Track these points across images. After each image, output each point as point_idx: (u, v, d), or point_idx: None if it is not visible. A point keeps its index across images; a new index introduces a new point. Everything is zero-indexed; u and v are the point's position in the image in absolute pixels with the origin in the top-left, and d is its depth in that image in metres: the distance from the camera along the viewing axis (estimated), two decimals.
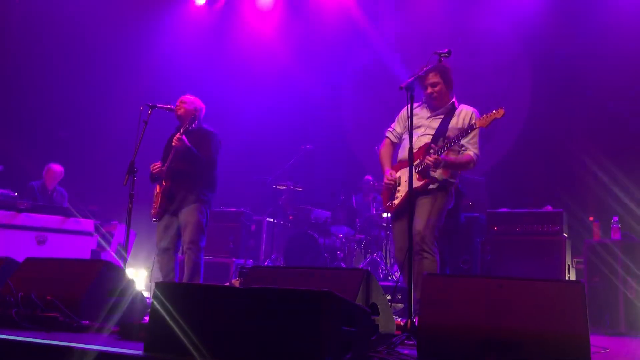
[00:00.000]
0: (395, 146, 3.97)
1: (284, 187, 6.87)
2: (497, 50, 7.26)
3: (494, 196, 6.47)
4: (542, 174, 6.72)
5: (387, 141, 3.99)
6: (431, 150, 3.65)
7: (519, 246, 5.17)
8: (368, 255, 6.51)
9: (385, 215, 6.64)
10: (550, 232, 5.14)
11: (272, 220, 6.94)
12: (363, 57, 7.96)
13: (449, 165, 3.65)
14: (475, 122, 3.59)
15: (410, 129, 3.28)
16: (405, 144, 3.70)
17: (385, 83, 7.51)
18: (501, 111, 3.51)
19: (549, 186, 6.57)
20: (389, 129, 3.99)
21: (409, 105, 3.23)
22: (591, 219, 5.21)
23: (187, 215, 4.30)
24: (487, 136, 6.62)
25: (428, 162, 3.57)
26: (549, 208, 5.40)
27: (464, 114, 3.79)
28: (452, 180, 3.79)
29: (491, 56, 7.27)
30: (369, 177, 7.16)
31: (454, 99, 3.86)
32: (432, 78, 3.79)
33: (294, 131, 8.03)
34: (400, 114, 3.98)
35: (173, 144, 4.23)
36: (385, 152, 3.95)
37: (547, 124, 6.72)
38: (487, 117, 3.54)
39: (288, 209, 7.08)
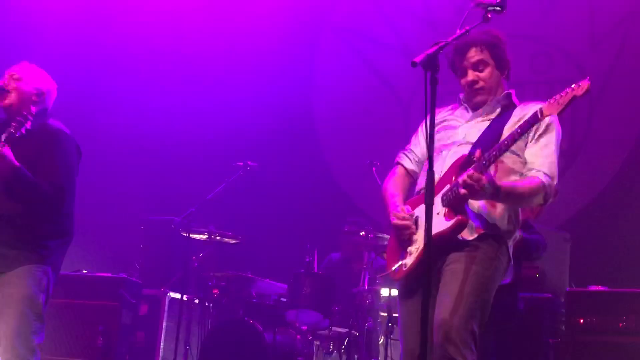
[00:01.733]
0: (413, 178, 4.19)
1: (204, 237, 6.89)
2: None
3: (582, 266, 6.66)
4: None
5: (399, 170, 4.22)
6: (472, 164, 3.68)
7: (620, 355, 5.32)
8: None
9: (387, 291, 6.60)
10: None
11: (179, 296, 6.89)
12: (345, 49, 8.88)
13: (500, 193, 3.68)
14: (541, 109, 3.65)
15: (430, 132, 3.36)
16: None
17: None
18: (584, 85, 3.58)
19: None
20: (402, 151, 4.25)
21: (427, 92, 3.33)
22: None
23: (10, 286, 4.33)
24: (569, 154, 6.72)
25: (461, 184, 3.62)
26: None
27: (527, 112, 3.89)
28: (507, 227, 3.86)
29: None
30: (354, 223, 7.14)
31: (511, 91, 4.07)
32: (476, 55, 3.99)
33: (225, 141, 8.64)
34: (420, 127, 4.22)
35: None
36: (394, 184, 4.17)
37: None
38: (561, 97, 3.61)
39: (210, 276, 6.99)
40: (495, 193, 3.64)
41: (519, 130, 3.68)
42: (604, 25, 7.76)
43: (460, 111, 4.11)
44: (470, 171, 3.60)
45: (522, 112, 3.92)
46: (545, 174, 3.78)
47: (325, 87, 9.12)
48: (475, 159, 3.64)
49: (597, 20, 7.78)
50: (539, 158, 3.83)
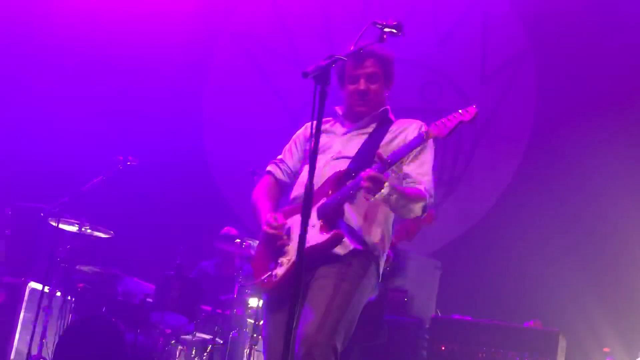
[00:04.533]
0: (283, 189, 4.21)
1: (74, 228, 6.77)
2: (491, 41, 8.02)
3: (449, 294, 6.80)
4: (531, 263, 7.06)
5: (268, 179, 4.23)
6: (350, 179, 3.73)
7: None
8: None
9: (255, 301, 6.63)
10: None
11: (40, 287, 6.73)
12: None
13: (393, 195, 3.69)
14: (428, 131, 3.72)
15: (315, 145, 3.32)
16: (304, 178, 3.65)
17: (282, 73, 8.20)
18: (471, 111, 3.68)
19: (540, 288, 6.99)
20: (273, 161, 4.25)
21: (316, 104, 3.30)
22: (607, 350, 5.57)
23: None
24: (449, 184, 6.84)
25: (364, 180, 3.61)
26: (537, 325, 5.69)
27: (406, 128, 4.01)
28: (380, 245, 3.88)
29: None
30: (230, 230, 7.17)
31: (388, 107, 4.14)
32: (372, 67, 4.03)
33: (107, 133, 8.68)
34: (296, 136, 4.25)
35: None
36: (265, 193, 4.16)
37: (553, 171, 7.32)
38: (448, 121, 3.68)
39: (75, 269, 6.86)
40: (390, 193, 3.65)
41: (406, 149, 3.72)
42: (495, 62, 8.05)
43: (337, 124, 4.12)
44: (373, 172, 3.60)
45: (399, 129, 4.00)
46: (425, 188, 3.84)
47: (217, 91, 9.18)
48: (378, 159, 3.66)
49: (488, 57, 8.06)
50: (418, 174, 3.88)
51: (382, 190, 3.59)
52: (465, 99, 7.89)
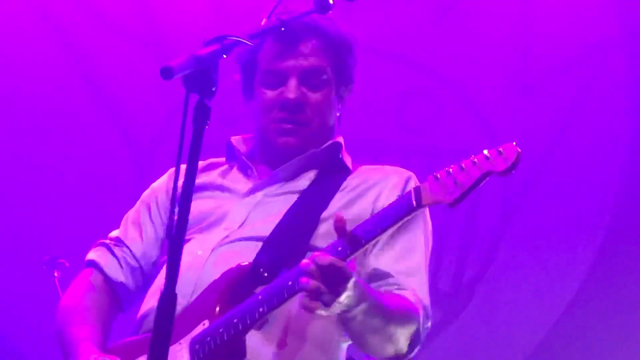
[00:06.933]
0: (119, 296, 4.40)
1: None
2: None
3: None
4: None
5: (90, 279, 4.40)
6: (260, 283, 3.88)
7: None
8: None
9: None
10: None
11: None
12: None
13: (367, 303, 3.71)
14: (418, 192, 3.69)
15: (183, 211, 3.21)
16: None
17: None
18: (510, 151, 3.63)
19: None
20: (102, 242, 4.48)
21: (185, 129, 3.22)
22: None
23: None
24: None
25: (313, 273, 3.55)
26: None
27: (378, 182, 4.19)
28: None
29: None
30: None
31: (341, 140, 4.37)
32: (314, 56, 4.23)
33: None
34: (150, 192, 4.56)
35: None
36: (83, 306, 4.30)
37: None
38: (461, 172, 3.65)
39: None
40: (356, 303, 3.62)
41: (390, 217, 3.66)
42: (545, 61, 8.16)
43: (234, 172, 4.37)
44: (328, 255, 3.55)
45: (363, 184, 4.17)
46: (419, 298, 3.93)
47: None
48: (338, 231, 3.60)
49: (532, 53, 8.19)
50: (400, 273, 3.98)
51: (341, 297, 3.55)
52: (486, 124, 7.76)
